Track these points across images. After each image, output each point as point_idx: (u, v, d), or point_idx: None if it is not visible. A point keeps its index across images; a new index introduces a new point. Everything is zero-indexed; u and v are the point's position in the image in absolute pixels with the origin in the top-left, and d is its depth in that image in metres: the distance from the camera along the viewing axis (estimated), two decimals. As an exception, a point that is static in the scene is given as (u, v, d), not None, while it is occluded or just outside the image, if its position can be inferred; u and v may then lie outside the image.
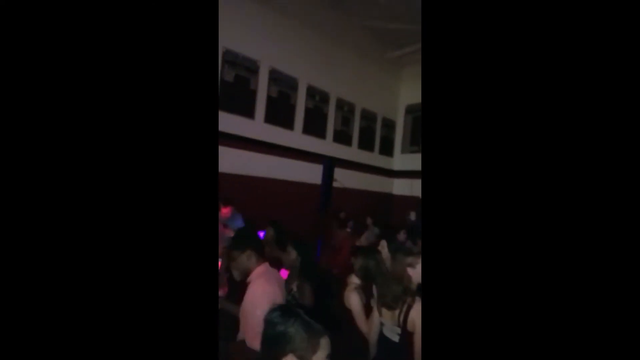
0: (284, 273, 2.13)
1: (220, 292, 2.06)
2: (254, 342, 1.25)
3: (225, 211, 3.12)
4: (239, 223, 3.19)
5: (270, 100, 4.88)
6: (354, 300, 1.70)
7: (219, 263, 2.18)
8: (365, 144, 6.71)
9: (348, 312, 1.71)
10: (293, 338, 0.76)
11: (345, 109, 6.27)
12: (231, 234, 3.02)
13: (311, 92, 5.58)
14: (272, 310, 0.84)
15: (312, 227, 4.66)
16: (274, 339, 0.78)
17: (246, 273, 1.47)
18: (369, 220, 5.38)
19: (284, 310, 0.82)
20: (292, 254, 2.11)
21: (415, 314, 1.36)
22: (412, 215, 6.60)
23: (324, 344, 0.79)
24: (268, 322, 0.80)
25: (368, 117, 6.74)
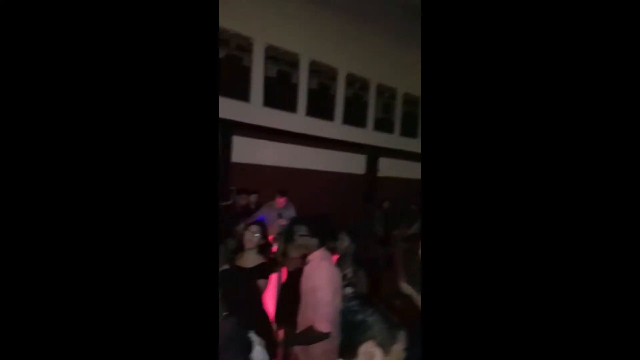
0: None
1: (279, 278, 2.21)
2: (323, 324, 1.34)
3: (280, 201, 3.31)
4: (292, 213, 3.35)
5: (311, 92, 4.94)
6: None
7: (274, 248, 2.34)
8: (408, 130, 6.52)
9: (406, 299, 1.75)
10: (372, 327, 0.76)
11: (386, 95, 6.13)
12: (284, 222, 3.20)
13: (351, 80, 5.54)
14: (350, 298, 0.85)
15: (357, 217, 4.70)
16: (353, 327, 0.78)
17: (305, 255, 1.56)
18: (413, 208, 5.29)
19: (362, 300, 0.83)
20: (345, 241, 2.19)
21: None
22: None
23: (402, 336, 0.78)
24: (346, 310, 0.81)
25: (411, 102, 6.53)
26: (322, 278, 1.45)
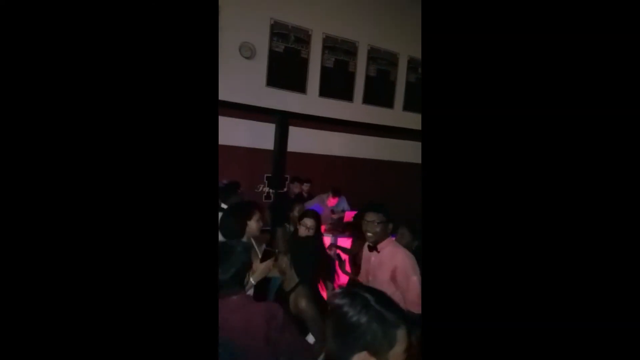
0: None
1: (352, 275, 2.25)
2: (416, 307, 1.37)
3: (332, 201, 3.43)
4: (345, 206, 3.46)
5: (368, 79, 4.86)
6: None
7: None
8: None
9: None
10: (365, 332, 0.65)
11: (451, 78, 5.68)
12: (335, 216, 3.31)
13: (412, 65, 5.27)
14: (340, 294, 0.71)
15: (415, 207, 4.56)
16: (346, 331, 0.66)
17: (378, 241, 1.56)
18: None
19: (351, 296, 0.69)
20: (406, 236, 2.13)
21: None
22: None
23: (401, 336, 0.66)
24: (339, 310, 0.68)
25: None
26: (407, 262, 1.44)
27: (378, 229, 1.54)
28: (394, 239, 1.61)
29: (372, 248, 1.61)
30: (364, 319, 0.66)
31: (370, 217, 1.56)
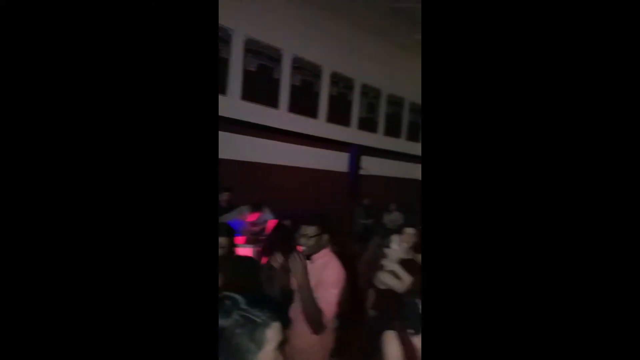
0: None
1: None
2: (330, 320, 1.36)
3: (253, 217, 3.17)
4: (269, 216, 3.24)
5: (294, 88, 4.87)
6: None
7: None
8: (392, 130, 6.54)
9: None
10: (230, 337, 0.64)
11: (370, 95, 6.13)
12: (257, 228, 3.09)
13: (335, 79, 5.51)
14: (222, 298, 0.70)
15: (340, 215, 4.64)
16: (222, 340, 0.64)
17: (312, 254, 1.53)
18: (392, 206, 5.32)
19: (223, 299, 0.68)
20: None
21: None
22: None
23: (272, 334, 0.66)
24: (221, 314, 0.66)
25: (395, 103, 6.55)
26: (331, 275, 1.45)
27: (311, 242, 1.54)
28: (328, 250, 1.58)
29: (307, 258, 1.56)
30: (227, 324, 0.65)
31: (304, 230, 1.56)
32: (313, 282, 1.45)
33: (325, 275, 1.46)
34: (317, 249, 1.53)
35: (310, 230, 1.53)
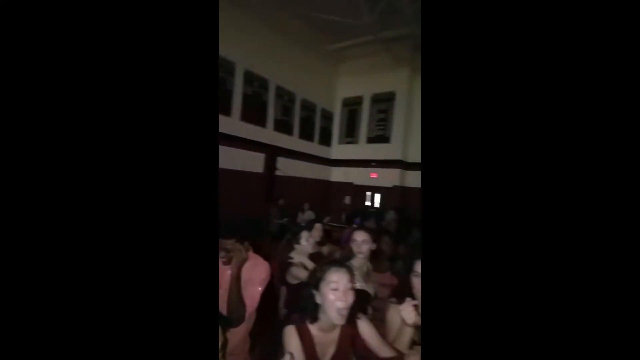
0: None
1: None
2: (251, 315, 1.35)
3: None
4: None
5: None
6: None
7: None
8: (306, 133, 6.81)
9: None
10: None
11: (285, 98, 6.25)
12: None
13: (249, 77, 5.43)
14: None
15: (256, 215, 4.59)
16: None
17: (241, 265, 1.42)
18: (305, 205, 5.60)
19: None
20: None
21: None
22: (347, 199, 7.17)
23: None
24: None
25: (308, 108, 6.83)
26: (261, 274, 1.43)
27: (233, 255, 1.47)
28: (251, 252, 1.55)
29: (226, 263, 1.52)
30: None
31: (223, 244, 1.48)
32: (243, 278, 1.46)
33: (254, 273, 1.48)
34: (242, 262, 1.46)
35: (229, 244, 1.45)
